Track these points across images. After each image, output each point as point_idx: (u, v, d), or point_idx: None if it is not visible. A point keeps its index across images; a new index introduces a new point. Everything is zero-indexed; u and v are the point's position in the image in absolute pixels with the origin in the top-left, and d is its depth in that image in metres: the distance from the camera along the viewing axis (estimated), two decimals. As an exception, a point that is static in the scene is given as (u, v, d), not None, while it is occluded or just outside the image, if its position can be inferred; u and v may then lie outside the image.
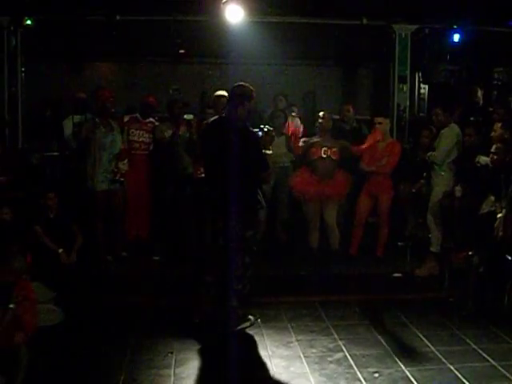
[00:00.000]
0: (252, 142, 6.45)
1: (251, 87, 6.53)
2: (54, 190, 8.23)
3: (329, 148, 8.87)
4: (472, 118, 10.23)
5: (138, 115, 9.65)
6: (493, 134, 7.57)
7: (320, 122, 9.03)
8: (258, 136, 6.54)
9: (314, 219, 8.96)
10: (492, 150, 7.64)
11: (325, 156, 8.87)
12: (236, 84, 6.56)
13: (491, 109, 9.32)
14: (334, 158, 8.91)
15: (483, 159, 7.91)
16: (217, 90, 9.06)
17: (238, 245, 6.37)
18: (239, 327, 6.45)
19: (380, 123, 9.30)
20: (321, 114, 9.09)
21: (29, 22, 10.25)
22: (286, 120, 10.13)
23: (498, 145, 7.57)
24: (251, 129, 6.61)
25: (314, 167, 8.93)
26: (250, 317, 6.65)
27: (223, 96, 8.49)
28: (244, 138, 6.30)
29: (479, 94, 10.68)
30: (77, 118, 9.38)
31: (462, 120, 9.67)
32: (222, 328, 6.33)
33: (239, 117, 6.41)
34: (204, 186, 6.81)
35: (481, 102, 10.72)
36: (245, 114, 6.47)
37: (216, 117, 7.05)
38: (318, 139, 8.97)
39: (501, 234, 6.61)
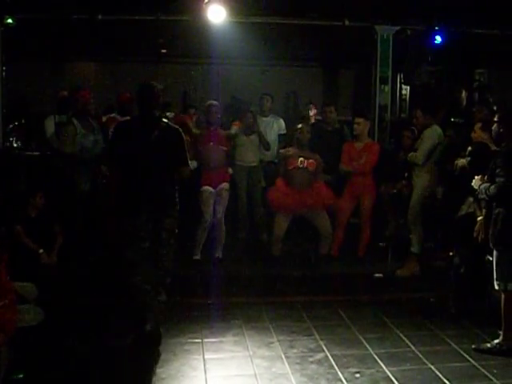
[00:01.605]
0: (173, 136, 6.52)
1: (158, 86, 6.55)
2: (34, 191, 8.17)
3: (305, 159, 8.86)
4: (454, 119, 10.25)
5: (115, 114, 9.58)
6: (473, 134, 7.57)
7: (297, 137, 9.04)
8: (180, 131, 6.61)
9: (280, 231, 8.96)
10: (467, 152, 7.65)
11: (301, 166, 8.86)
12: (146, 83, 6.57)
13: (474, 109, 9.33)
14: (310, 168, 8.92)
15: (461, 161, 7.92)
16: (198, 90, 9.17)
17: (165, 240, 6.47)
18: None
19: (358, 124, 9.33)
20: (299, 126, 9.05)
21: (10, 20, 10.16)
22: (255, 119, 10.15)
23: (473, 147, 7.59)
24: (171, 124, 6.72)
25: (290, 177, 8.89)
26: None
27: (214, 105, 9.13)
28: (165, 134, 6.43)
29: (463, 95, 10.71)
30: (59, 117, 9.31)
31: (445, 121, 9.71)
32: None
33: (157, 116, 6.48)
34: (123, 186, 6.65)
35: (464, 102, 10.77)
36: (159, 112, 6.58)
37: (128, 117, 7.40)
38: (295, 150, 8.97)
39: (482, 237, 6.63)
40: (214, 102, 9.38)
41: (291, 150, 9.01)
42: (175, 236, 6.57)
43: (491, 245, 6.15)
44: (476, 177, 6.39)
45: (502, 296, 6.11)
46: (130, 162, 6.33)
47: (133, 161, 6.31)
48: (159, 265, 6.49)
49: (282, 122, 10.90)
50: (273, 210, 9.13)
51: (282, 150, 9.27)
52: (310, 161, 8.87)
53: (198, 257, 9.12)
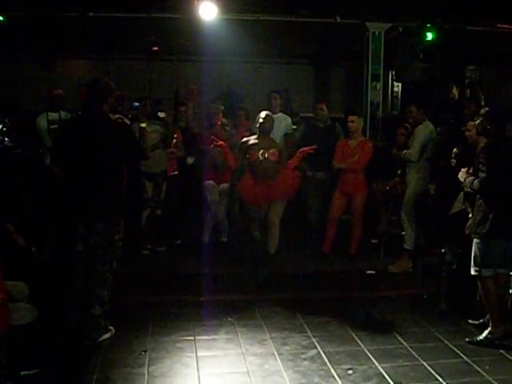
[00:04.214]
0: (122, 133, 6.29)
1: (112, 83, 6.39)
2: (26, 189, 8.14)
3: (266, 150, 8.50)
4: (444, 116, 10.27)
5: None
6: (467, 133, 7.47)
7: (261, 123, 8.59)
8: (129, 126, 6.48)
9: (256, 217, 8.77)
10: (453, 154, 7.66)
11: (262, 158, 8.59)
12: (95, 80, 6.41)
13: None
14: (272, 159, 8.51)
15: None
16: (190, 87, 9.22)
17: (105, 249, 6.21)
18: (100, 339, 6.25)
19: (352, 121, 9.31)
20: (262, 114, 8.67)
21: (0, 18, 10.14)
22: (247, 118, 10.14)
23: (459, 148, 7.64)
24: (118, 120, 6.67)
25: (253, 170, 8.65)
26: (111, 328, 6.41)
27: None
28: (113, 132, 6.22)
29: (454, 90, 10.72)
30: (51, 115, 9.28)
31: (435, 118, 9.70)
32: (85, 340, 6.18)
33: (104, 113, 6.26)
34: (66, 188, 6.33)
35: (456, 98, 10.77)
36: (108, 110, 6.34)
37: (74, 115, 7.43)
38: (256, 141, 8.60)
39: None
40: (214, 106, 9.66)
41: (252, 139, 8.69)
42: (112, 244, 6.27)
43: (471, 232, 6.34)
44: (462, 169, 6.48)
45: (479, 284, 6.24)
46: (71, 162, 6.16)
47: (74, 160, 6.11)
48: (93, 273, 6.23)
49: (289, 120, 10.47)
50: (241, 199, 9.07)
51: (242, 140, 8.84)
52: (272, 151, 8.52)
53: (206, 240, 9.57)
